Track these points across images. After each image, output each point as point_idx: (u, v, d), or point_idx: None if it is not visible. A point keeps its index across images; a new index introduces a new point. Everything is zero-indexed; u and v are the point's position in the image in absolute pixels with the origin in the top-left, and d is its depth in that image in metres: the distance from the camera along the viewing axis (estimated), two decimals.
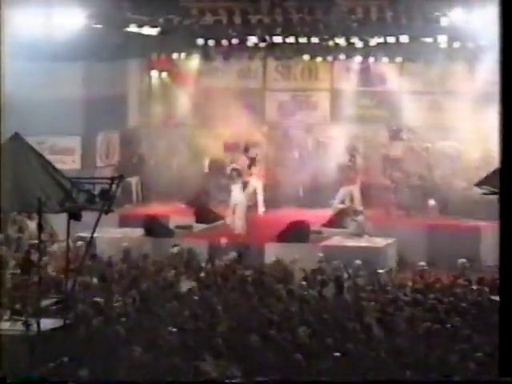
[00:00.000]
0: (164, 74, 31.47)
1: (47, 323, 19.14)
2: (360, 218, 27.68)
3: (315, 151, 30.98)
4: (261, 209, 29.70)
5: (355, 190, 29.52)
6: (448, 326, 19.39)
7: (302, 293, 22.13)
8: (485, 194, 23.20)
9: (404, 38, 28.04)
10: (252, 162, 30.47)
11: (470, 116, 29.33)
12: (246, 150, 30.88)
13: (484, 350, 17.89)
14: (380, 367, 17.47)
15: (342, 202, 29.41)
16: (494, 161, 24.97)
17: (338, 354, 17.56)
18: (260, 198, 29.89)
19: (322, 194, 30.21)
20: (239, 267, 24.49)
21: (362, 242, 26.72)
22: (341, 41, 28.79)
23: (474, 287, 22.94)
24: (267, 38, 29.00)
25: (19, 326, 18.98)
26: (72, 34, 27.47)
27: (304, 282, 23.15)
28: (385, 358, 17.92)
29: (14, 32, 26.85)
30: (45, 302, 20.42)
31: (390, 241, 26.55)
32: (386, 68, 30.16)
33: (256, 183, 29.94)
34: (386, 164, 30.57)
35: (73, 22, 27.57)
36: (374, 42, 28.63)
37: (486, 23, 26.39)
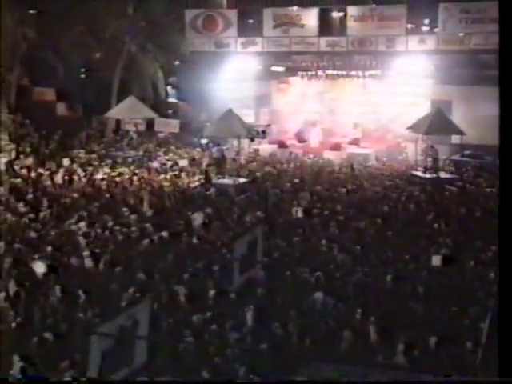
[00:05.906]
0: (285, 85, 30.23)
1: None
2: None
3: (343, 118, 29.09)
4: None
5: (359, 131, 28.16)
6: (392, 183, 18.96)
7: (339, 169, 21.94)
8: (411, 132, 22.26)
9: (378, 72, 27.05)
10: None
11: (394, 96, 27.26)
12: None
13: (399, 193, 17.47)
14: (366, 199, 16.85)
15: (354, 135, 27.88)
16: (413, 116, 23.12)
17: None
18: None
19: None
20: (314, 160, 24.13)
21: (361, 151, 25.73)
22: (353, 73, 27.75)
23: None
24: (326, 71, 27.98)
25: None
26: (252, 73, 27.08)
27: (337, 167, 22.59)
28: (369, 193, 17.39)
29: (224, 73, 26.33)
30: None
31: (371, 151, 25.59)
32: (371, 82, 28.13)
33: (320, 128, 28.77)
34: (370, 122, 28.28)
35: (250, 65, 27.11)
36: (367, 73, 27.48)
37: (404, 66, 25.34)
